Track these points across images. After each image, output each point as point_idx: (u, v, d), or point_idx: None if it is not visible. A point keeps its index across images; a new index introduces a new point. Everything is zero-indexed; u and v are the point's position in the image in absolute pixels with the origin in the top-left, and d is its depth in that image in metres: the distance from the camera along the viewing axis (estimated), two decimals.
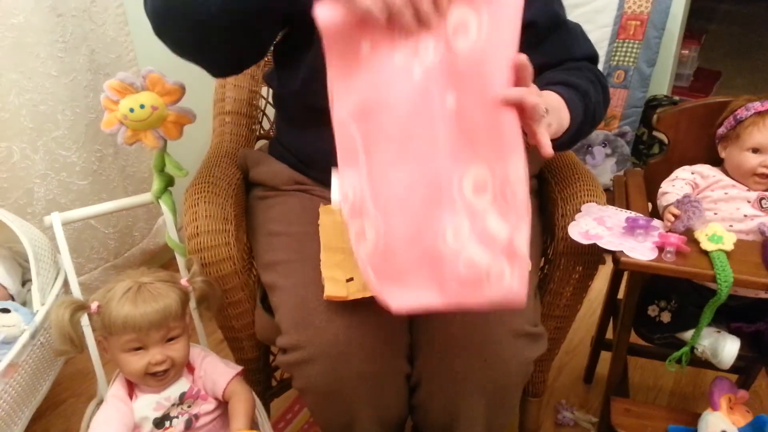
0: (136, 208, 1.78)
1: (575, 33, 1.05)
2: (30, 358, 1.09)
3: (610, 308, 1.42)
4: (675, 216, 1.03)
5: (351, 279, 0.90)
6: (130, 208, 1.33)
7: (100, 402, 1.14)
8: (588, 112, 0.94)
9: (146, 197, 1.33)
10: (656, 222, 1.05)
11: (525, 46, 0.67)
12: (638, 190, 1.22)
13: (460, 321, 0.91)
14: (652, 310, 1.12)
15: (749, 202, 1.08)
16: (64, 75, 1.51)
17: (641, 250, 0.99)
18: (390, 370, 0.95)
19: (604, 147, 2.09)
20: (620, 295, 1.31)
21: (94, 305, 0.98)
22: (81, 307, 0.98)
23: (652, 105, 2.09)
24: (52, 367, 1.23)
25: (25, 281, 1.29)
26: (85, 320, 1.02)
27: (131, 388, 1.01)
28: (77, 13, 1.51)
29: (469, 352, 0.91)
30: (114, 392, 1.01)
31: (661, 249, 0.99)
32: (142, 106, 1.18)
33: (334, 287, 0.89)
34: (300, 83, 1.02)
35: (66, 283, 1.21)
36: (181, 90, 1.15)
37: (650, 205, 1.22)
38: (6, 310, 1.17)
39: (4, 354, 1.06)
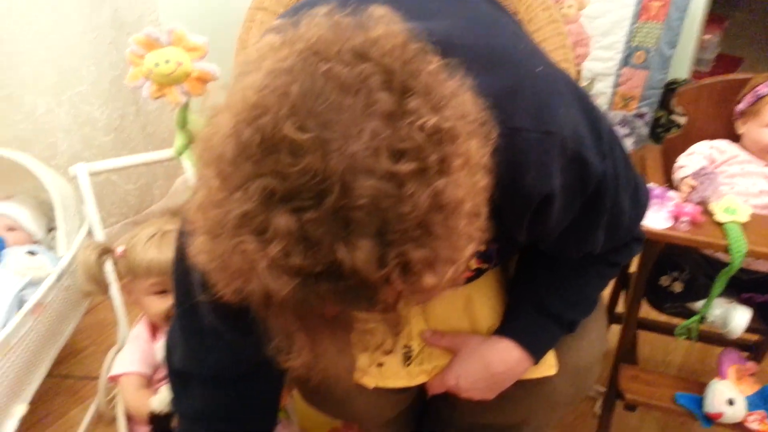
0: (156, 167, 1.81)
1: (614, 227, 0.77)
2: (55, 300, 1.13)
3: (621, 281, 1.43)
4: (691, 187, 1.04)
5: (381, 364, 0.91)
6: (152, 162, 1.36)
7: (120, 349, 1.18)
8: (572, 326, 0.86)
9: (168, 153, 1.35)
10: (672, 193, 1.06)
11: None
12: (655, 164, 1.23)
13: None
14: (665, 280, 1.13)
15: (766, 177, 1.09)
16: (89, 31, 1.53)
17: (657, 219, 1.00)
18: None
19: (621, 127, 2.09)
20: (632, 268, 1.32)
21: (119, 249, 1.01)
22: (107, 250, 1.01)
23: (671, 88, 2.09)
24: (75, 310, 1.27)
25: (50, 230, 1.33)
26: (108, 266, 1.05)
27: (154, 330, 1.05)
28: None
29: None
30: (137, 333, 1.04)
31: (676, 218, 1.00)
32: (167, 61, 1.20)
33: (364, 376, 0.90)
34: None
35: (90, 234, 1.24)
36: (205, 47, 1.16)
37: (668, 184, 1.23)
38: (33, 253, 1.20)
39: (31, 294, 1.09)
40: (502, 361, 0.85)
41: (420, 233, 0.47)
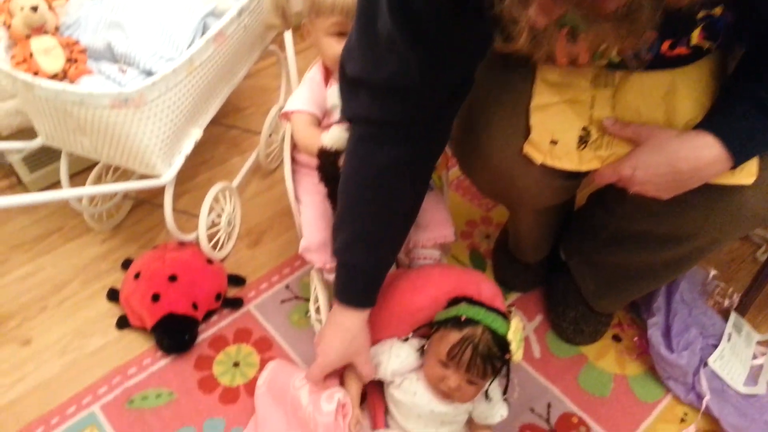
0: None
1: None
2: (234, 35, 1.14)
3: None
4: None
5: (555, 142, 0.85)
6: None
7: (280, 109, 1.20)
8: None
9: None
10: None
11: None
12: None
13: None
14: None
15: None
16: None
17: None
18: None
19: None
20: None
21: None
22: None
23: None
24: (249, 56, 1.29)
25: None
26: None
27: (327, 76, 1.04)
28: None
29: None
30: (312, 76, 1.04)
31: None
32: None
33: (533, 150, 0.87)
34: None
35: None
36: None
37: None
38: None
39: (214, 23, 1.12)
40: (695, 157, 0.76)
41: None
